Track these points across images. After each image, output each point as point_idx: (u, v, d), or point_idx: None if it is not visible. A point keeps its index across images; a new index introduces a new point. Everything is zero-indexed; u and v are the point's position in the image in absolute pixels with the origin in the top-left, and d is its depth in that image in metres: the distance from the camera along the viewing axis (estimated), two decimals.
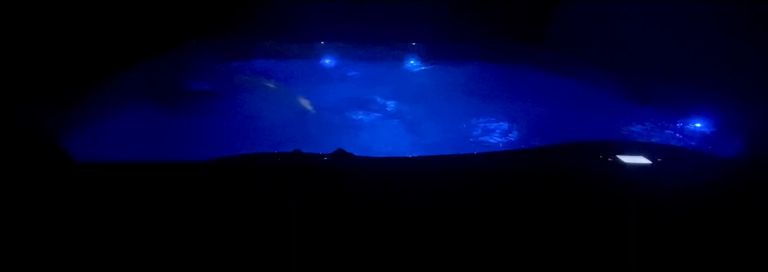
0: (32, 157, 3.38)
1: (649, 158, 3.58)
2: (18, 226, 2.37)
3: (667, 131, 5.40)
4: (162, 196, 2.75)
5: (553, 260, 2.20)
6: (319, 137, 5.76)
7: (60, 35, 5.22)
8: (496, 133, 5.97)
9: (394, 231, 2.39)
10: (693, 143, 5.06)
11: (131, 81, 5.91)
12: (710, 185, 2.96)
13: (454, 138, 5.87)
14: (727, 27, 4.88)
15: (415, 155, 3.99)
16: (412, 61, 7.55)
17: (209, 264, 2.13)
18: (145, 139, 5.24)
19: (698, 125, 5.23)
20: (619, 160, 3.57)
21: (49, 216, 2.48)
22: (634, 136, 5.44)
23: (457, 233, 2.39)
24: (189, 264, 2.14)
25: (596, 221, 2.52)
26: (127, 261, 2.15)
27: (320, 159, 3.77)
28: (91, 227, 2.39)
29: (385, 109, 6.57)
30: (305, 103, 6.52)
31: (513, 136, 5.90)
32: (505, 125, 6.10)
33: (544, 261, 2.19)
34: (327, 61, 7.59)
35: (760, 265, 2.18)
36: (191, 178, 3.06)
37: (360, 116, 6.39)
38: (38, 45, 4.97)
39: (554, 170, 3.39)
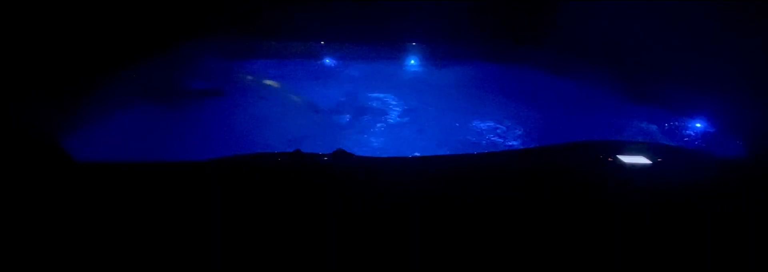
0: (32, 157, 3.38)
1: (649, 158, 3.58)
2: (18, 226, 2.37)
3: (666, 131, 5.39)
4: (162, 196, 2.75)
5: (554, 260, 2.20)
6: (319, 137, 5.76)
7: (60, 35, 5.22)
8: (496, 133, 5.96)
9: (394, 230, 2.39)
10: (693, 143, 5.05)
11: (131, 81, 5.91)
12: (710, 185, 2.96)
13: (454, 138, 5.87)
14: (728, 26, 4.87)
15: (415, 155, 3.98)
16: (412, 61, 7.55)
17: (209, 264, 2.13)
18: (145, 139, 5.23)
19: (698, 124, 5.23)
20: (619, 160, 3.57)
21: (49, 215, 2.48)
22: (634, 136, 5.44)
23: (457, 233, 2.39)
24: (189, 264, 2.14)
25: (596, 221, 2.52)
26: (127, 260, 2.15)
27: (320, 159, 3.77)
28: (91, 227, 2.39)
29: (385, 109, 6.57)
30: (305, 103, 6.52)
31: (513, 136, 5.90)
32: (505, 125, 6.09)
33: (545, 260, 2.19)
34: (327, 61, 7.58)
35: (760, 265, 2.18)
36: (191, 178, 3.05)
37: (360, 116, 6.39)
38: (38, 45, 4.96)
39: (554, 170, 3.39)
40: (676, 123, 5.39)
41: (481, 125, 6.13)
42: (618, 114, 5.82)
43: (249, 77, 7.04)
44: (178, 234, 2.35)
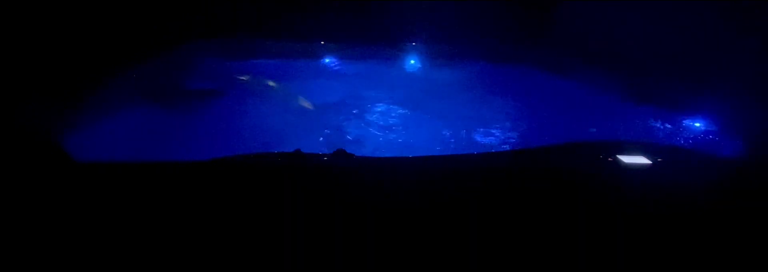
0: (32, 157, 3.38)
1: (649, 158, 3.58)
2: (18, 225, 2.37)
3: (666, 131, 5.40)
4: (162, 196, 2.75)
5: (553, 259, 2.20)
6: (319, 137, 5.76)
7: (60, 35, 5.22)
8: (495, 133, 5.96)
9: (394, 230, 2.39)
10: (693, 143, 5.05)
11: (131, 81, 5.91)
12: (710, 185, 2.96)
13: (453, 138, 5.87)
14: (727, 27, 4.87)
15: (414, 155, 3.98)
16: (412, 61, 7.55)
17: (209, 264, 2.13)
18: (145, 139, 5.23)
19: (698, 125, 5.23)
20: (619, 160, 3.57)
21: (49, 215, 2.48)
22: (634, 136, 5.44)
23: (456, 232, 2.39)
24: (189, 264, 2.14)
25: (596, 220, 2.52)
26: (127, 260, 2.15)
27: (320, 159, 3.77)
28: (91, 226, 2.39)
29: (385, 108, 6.57)
30: (305, 103, 6.52)
31: (513, 136, 5.90)
32: (505, 125, 6.09)
33: (544, 259, 2.19)
34: (327, 61, 7.59)
35: (759, 264, 2.18)
36: (191, 178, 3.06)
37: (360, 116, 6.39)
38: (39, 45, 4.96)
39: (554, 170, 3.39)
40: (676, 123, 5.39)
41: (481, 124, 6.13)
42: (618, 114, 5.82)
43: (249, 77, 7.04)
44: (178, 234, 2.35)
